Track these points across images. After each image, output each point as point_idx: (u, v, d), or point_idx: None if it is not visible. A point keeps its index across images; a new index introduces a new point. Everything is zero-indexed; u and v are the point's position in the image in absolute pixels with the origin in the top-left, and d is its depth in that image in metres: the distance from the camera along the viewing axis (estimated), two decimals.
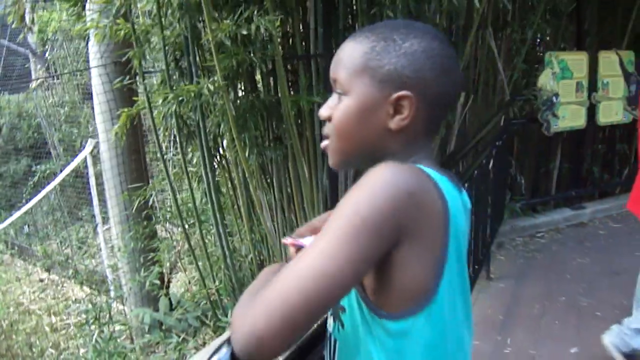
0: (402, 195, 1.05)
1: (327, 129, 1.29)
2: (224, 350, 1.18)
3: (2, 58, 13.48)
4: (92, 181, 7.00)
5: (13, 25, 8.34)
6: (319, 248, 1.03)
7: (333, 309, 1.31)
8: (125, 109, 4.79)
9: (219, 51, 3.81)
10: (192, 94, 4.00)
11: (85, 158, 6.92)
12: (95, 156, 6.88)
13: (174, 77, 4.59)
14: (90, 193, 7.38)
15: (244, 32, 3.50)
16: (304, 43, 4.52)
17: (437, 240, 1.12)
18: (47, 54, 11.85)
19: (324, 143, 1.31)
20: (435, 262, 1.12)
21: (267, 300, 1.00)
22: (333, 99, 1.27)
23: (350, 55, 1.23)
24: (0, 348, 6.40)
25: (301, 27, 4.56)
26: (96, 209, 7.16)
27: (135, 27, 4.39)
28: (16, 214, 7.13)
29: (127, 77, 4.92)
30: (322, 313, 1.03)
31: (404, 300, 1.14)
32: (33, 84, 12.27)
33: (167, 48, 4.35)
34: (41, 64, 12.44)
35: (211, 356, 1.17)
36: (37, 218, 10.19)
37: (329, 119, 1.28)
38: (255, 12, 3.63)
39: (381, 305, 1.16)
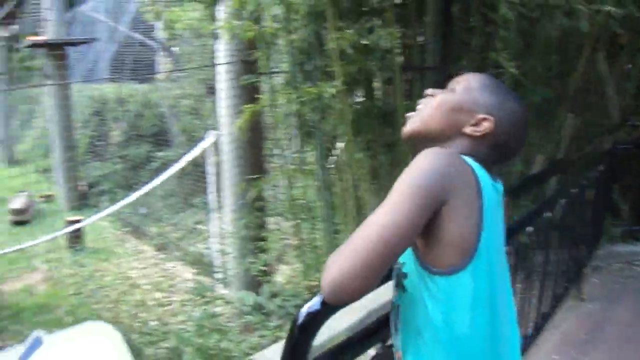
0: (443, 166, 1.40)
1: (424, 102, 1.69)
2: (316, 299, 1.52)
3: (134, 49, 14.24)
4: (211, 170, 7.40)
5: (151, 22, 8.88)
6: (384, 209, 1.36)
7: (396, 279, 1.61)
8: (250, 106, 5.13)
9: (340, 58, 4.08)
10: (313, 96, 4.29)
11: (205, 148, 7.31)
12: (216, 147, 7.27)
13: (298, 79, 4.87)
14: (206, 181, 7.79)
15: (366, 42, 3.74)
16: (420, 55, 4.73)
17: (474, 202, 1.43)
18: (174, 49, 12.48)
19: (412, 113, 1.70)
20: (475, 222, 1.44)
21: (345, 250, 1.32)
22: (445, 90, 1.69)
23: (471, 80, 1.68)
24: (107, 316, 6.89)
25: (419, 40, 4.76)
26: (211, 197, 7.57)
27: (263, 29, 4.71)
28: (134, 195, 7.62)
29: (253, 76, 5.25)
30: (390, 257, 1.33)
31: (450, 256, 1.44)
32: (160, 76, 12.95)
33: (292, 51, 4.64)
34: (169, 57, 13.09)
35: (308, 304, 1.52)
36: (154, 201, 10.77)
37: (433, 96, 1.68)
38: (377, 24, 3.88)
39: (433, 263, 1.46)
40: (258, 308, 5.98)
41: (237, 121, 5.57)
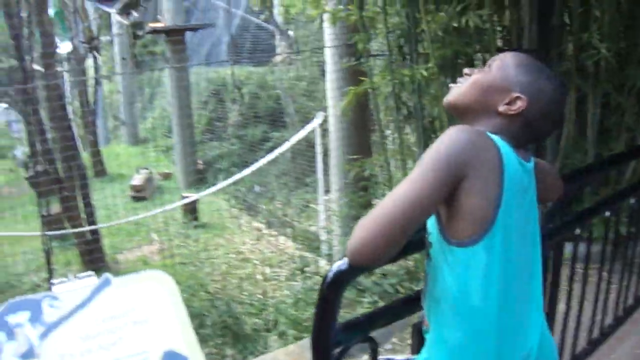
0: (465, 142, 1.52)
1: (463, 79, 1.80)
2: (344, 260, 1.70)
3: (251, 33, 14.79)
4: (318, 150, 7.73)
5: (255, 8, 9.25)
6: (408, 179, 1.52)
7: (425, 248, 1.75)
8: (353, 87, 5.41)
9: (433, 41, 4.29)
10: (407, 79, 4.52)
11: (314, 129, 7.63)
12: (324, 128, 7.59)
13: (395, 61, 5.11)
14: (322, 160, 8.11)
15: (455, 25, 3.93)
16: (518, 38, 4.84)
17: (494, 179, 1.54)
18: (290, 32, 12.90)
19: (453, 85, 1.83)
20: (493, 197, 1.54)
21: (368, 219, 1.51)
22: (481, 69, 1.79)
23: (506, 59, 1.76)
24: (215, 287, 7.37)
25: (515, 22, 4.86)
26: (320, 176, 7.89)
27: (363, 13, 4.97)
28: (244, 171, 8.05)
29: (354, 59, 5.51)
30: (408, 227, 1.49)
31: (466, 229, 1.56)
32: (277, 58, 13.42)
33: (390, 35, 4.89)
34: (285, 40, 13.53)
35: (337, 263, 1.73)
36: (268, 180, 11.25)
37: (469, 75, 1.79)
38: (471, 5, 4.05)
39: (451, 234, 1.59)
40: (355, 284, 6.26)
41: (342, 103, 5.87)
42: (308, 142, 8.63)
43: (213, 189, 8.99)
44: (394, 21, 4.88)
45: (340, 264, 1.70)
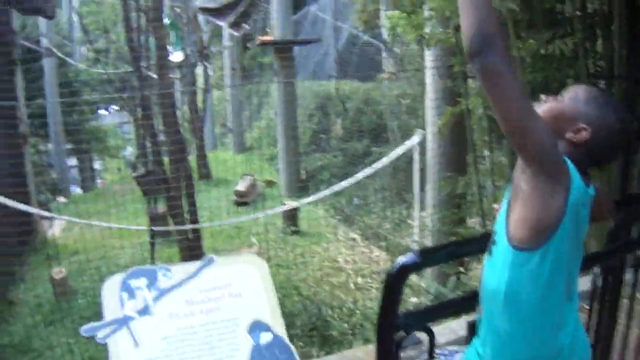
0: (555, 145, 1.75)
1: (537, 106, 1.93)
2: (407, 256, 2.00)
3: (358, 48, 15.20)
4: (416, 167, 8.01)
5: (359, 29, 9.61)
6: None
7: (488, 245, 1.94)
8: (449, 108, 5.72)
9: (524, 66, 4.56)
10: None
11: (413, 146, 7.91)
12: (423, 145, 7.88)
13: None
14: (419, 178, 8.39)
15: (542, 52, 4.18)
16: (609, 64, 4.99)
17: (563, 191, 1.73)
18: (396, 49, 13.24)
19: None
20: (558, 207, 1.74)
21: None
22: (555, 97, 1.97)
23: (578, 91, 1.94)
24: (309, 291, 7.78)
25: (608, 48, 5.00)
26: (416, 192, 8.17)
27: (460, 38, 5.26)
28: (344, 183, 8.39)
29: (450, 80, 5.81)
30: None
31: (530, 235, 1.78)
32: (383, 75, 13.78)
33: None
34: (391, 57, 13.88)
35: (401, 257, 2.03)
36: (367, 193, 11.61)
37: (545, 102, 1.96)
38: (560, 32, 4.28)
39: (515, 238, 1.80)
40: (440, 297, 6.53)
41: (439, 121, 6.18)
42: (408, 158, 8.93)
43: (313, 197, 9.42)
44: None
45: (404, 259, 1.99)
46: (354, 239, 10.28)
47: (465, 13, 1.66)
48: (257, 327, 2.70)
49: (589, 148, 1.89)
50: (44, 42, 16.36)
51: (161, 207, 9.10)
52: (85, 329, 2.70)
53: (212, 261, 2.75)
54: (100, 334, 2.65)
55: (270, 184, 14.26)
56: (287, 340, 2.69)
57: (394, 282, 2.06)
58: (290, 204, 10.22)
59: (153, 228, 7.79)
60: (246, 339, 2.67)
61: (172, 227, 8.76)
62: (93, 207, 10.95)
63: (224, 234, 10.51)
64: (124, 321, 2.71)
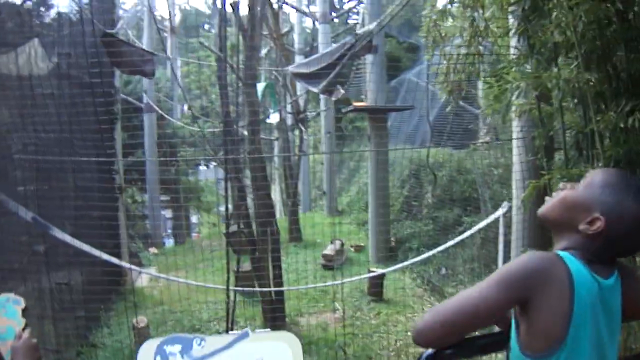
0: (532, 268, 1.76)
1: (555, 194, 2.02)
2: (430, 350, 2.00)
3: (454, 114, 15.20)
4: (501, 239, 7.91)
5: (441, 100, 9.64)
6: (478, 286, 1.82)
7: (507, 352, 1.97)
8: (533, 181, 5.66)
9: (603, 140, 4.49)
10: (577, 177, 4.70)
11: (499, 218, 7.85)
12: (509, 218, 7.79)
13: (572, 159, 5.30)
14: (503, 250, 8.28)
15: (621, 125, 4.10)
16: None
17: (562, 301, 1.74)
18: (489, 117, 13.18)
19: (548, 198, 2.04)
20: (563, 317, 1.74)
21: (441, 306, 1.86)
22: (574, 184, 1.99)
23: (595, 177, 1.95)
24: None
25: None
26: (499, 265, 8.05)
27: (542, 108, 5.24)
28: (431, 252, 8.34)
29: (532, 154, 5.76)
30: (463, 327, 1.83)
31: (538, 344, 1.80)
32: (477, 143, 13.73)
33: (568, 131, 5.10)
34: (486, 125, 13.83)
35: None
36: (455, 263, 11.49)
37: (563, 190, 1.99)
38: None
39: (525, 347, 1.84)
40: None
41: (523, 195, 6.11)
42: (497, 230, 8.83)
43: (399, 265, 9.37)
44: (570, 118, 5.08)
45: (429, 352, 1.98)
46: None
47: (439, 311, 1.85)
48: None
49: (608, 238, 1.84)
50: (145, 98, 17.16)
51: (248, 266, 9.28)
52: None
53: (246, 335, 2.87)
54: None
55: (358, 249, 14.31)
56: None
57: None
58: (377, 270, 10.24)
59: (229, 288, 7.94)
60: None
61: (253, 289, 8.94)
62: (182, 260, 11.26)
63: (308, 296, 10.58)
64: None
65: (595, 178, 1.93)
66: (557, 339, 1.76)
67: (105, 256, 6.87)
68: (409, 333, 9.11)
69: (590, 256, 1.85)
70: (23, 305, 2.78)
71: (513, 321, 1.92)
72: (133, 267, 9.00)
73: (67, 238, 6.46)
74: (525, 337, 1.84)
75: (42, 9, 9.31)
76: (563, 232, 1.95)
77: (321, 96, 15.63)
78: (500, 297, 1.78)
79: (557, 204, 1.97)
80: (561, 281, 1.75)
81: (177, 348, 2.84)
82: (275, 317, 8.47)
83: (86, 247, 6.56)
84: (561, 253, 1.84)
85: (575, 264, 1.80)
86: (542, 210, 2.03)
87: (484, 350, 2.12)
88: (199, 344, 2.86)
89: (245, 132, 9.23)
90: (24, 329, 2.63)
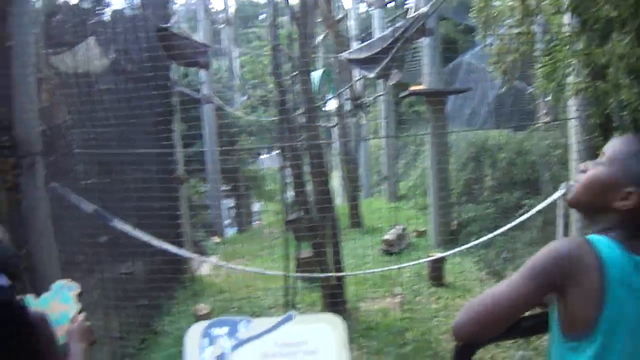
0: (561, 255, 1.77)
1: (579, 176, 1.98)
2: None
3: (513, 96, 14.97)
4: (560, 222, 7.77)
5: (498, 81, 9.50)
6: (505, 282, 1.84)
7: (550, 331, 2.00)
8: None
9: None
10: None
11: (557, 200, 7.70)
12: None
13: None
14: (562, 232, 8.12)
15: None
16: None
17: (593, 286, 1.72)
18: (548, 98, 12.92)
19: (573, 183, 2.02)
20: (595, 302, 1.73)
21: (475, 301, 1.88)
22: (596, 161, 1.95)
23: (616, 150, 1.89)
24: (445, 346, 7.66)
25: None
26: None
27: (598, 86, 5.12)
28: (490, 235, 8.21)
29: (589, 132, 5.64)
30: (498, 321, 1.84)
31: (572, 328, 1.81)
32: (536, 125, 13.48)
33: (624, 109, 4.98)
34: (545, 106, 13.55)
35: None
36: (516, 247, 11.31)
37: (584, 171, 1.96)
38: None
39: (563, 329, 1.85)
40: None
41: None
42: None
43: (459, 248, 9.30)
44: (627, 96, 4.94)
45: (461, 344, 2.09)
46: None
47: (475, 307, 1.89)
48: None
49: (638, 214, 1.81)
50: (203, 90, 17.34)
51: (308, 253, 9.34)
52: None
53: (291, 318, 2.92)
54: None
55: (420, 234, 14.24)
56: None
57: (460, 356, 2.12)
58: (437, 255, 10.17)
59: (289, 274, 8.00)
60: None
61: (309, 275, 9.00)
62: (244, 248, 11.41)
63: (369, 282, 10.58)
64: None
65: (617, 150, 1.87)
66: (591, 322, 1.74)
67: (166, 245, 6.96)
68: None
69: (631, 233, 1.80)
70: (77, 290, 2.87)
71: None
72: (194, 255, 9.15)
73: (129, 229, 6.58)
74: (563, 320, 1.84)
75: (98, 7, 9.52)
76: (598, 214, 1.90)
77: (379, 81, 15.59)
78: (531, 287, 1.79)
79: (586, 187, 1.92)
80: (590, 265, 1.72)
81: (223, 330, 2.91)
82: (335, 302, 8.49)
83: (147, 238, 6.66)
84: (591, 237, 1.81)
85: (606, 246, 1.76)
86: (571, 197, 2.01)
87: (528, 332, 2.12)
88: (245, 326, 2.92)
89: (302, 120, 9.23)
90: (79, 313, 2.71)
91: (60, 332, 2.58)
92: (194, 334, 2.92)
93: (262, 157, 24.95)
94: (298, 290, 8.86)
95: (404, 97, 15.73)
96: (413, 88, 13.37)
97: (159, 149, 9.06)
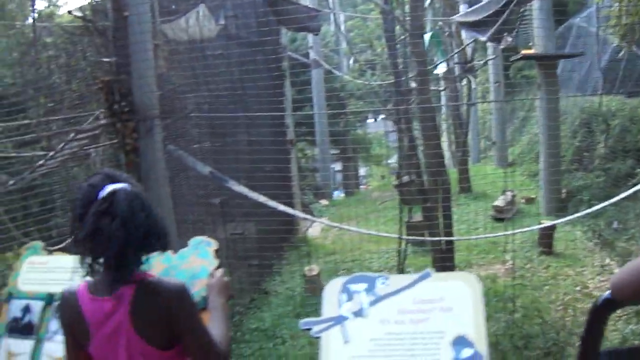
0: None
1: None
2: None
3: (627, 61, 14.31)
4: None
5: (612, 45, 9.05)
6: None
7: None
8: None
9: None
10: None
11: None
12: None
13: None
14: None
15: None
16: None
17: None
18: None
19: None
20: None
21: (632, 263, 1.85)
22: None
23: None
24: (553, 315, 7.54)
25: None
26: None
27: None
28: (601, 205, 7.98)
29: None
30: None
31: None
32: None
33: None
34: None
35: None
36: (628, 217, 10.95)
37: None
38: None
39: None
40: None
41: None
42: None
43: (569, 217, 9.08)
44: None
45: (607, 294, 2.02)
46: (609, 265, 9.73)
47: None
48: (460, 342, 2.85)
49: None
50: (312, 54, 17.44)
51: (418, 217, 9.34)
52: (303, 323, 3.01)
53: (428, 275, 2.96)
54: (315, 329, 2.92)
55: (530, 200, 14.02)
56: (487, 358, 2.76)
57: (595, 318, 2.10)
58: (548, 223, 9.98)
59: (402, 237, 8.02)
60: (448, 351, 2.82)
61: (424, 238, 8.99)
62: (353, 211, 11.49)
63: (478, 247, 10.55)
64: (338, 320, 2.97)
65: None
66: None
67: (282, 207, 7.06)
68: (577, 287, 8.87)
69: None
70: (215, 246, 2.99)
71: None
72: (308, 216, 9.30)
73: (244, 190, 6.68)
74: None
75: None
76: None
77: (488, 44, 15.25)
78: None
79: None
80: None
81: (361, 286, 3.01)
82: (444, 267, 8.46)
83: (262, 199, 6.76)
84: None
85: None
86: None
87: None
88: (383, 283, 3.00)
89: (414, 84, 9.15)
90: (217, 269, 2.83)
91: (200, 285, 2.76)
92: (332, 289, 3.03)
93: (369, 121, 24.96)
94: (407, 254, 8.88)
95: (515, 60, 15.32)
96: (525, 52, 13.03)
97: (271, 112, 9.21)
